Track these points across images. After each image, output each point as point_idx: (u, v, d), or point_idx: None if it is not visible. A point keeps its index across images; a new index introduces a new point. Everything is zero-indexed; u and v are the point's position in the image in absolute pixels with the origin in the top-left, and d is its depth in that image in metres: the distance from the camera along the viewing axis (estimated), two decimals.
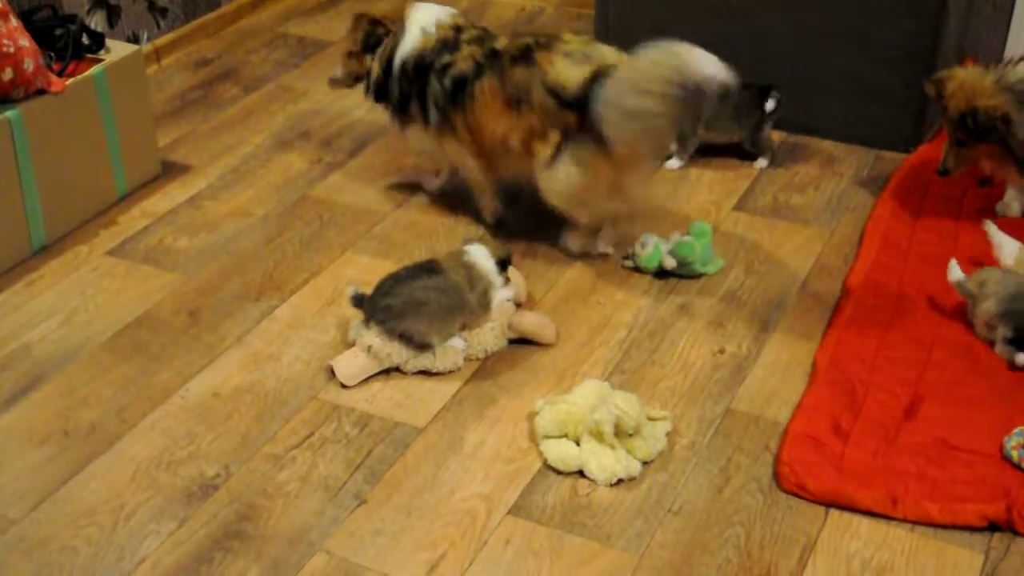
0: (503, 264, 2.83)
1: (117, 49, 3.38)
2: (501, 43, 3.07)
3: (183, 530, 2.32)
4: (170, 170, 3.58)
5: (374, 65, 3.24)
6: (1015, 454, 2.38)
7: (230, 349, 2.84)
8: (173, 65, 4.25)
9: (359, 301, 2.75)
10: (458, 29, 3.14)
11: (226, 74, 4.20)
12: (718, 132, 3.56)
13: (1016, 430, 2.43)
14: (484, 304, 2.77)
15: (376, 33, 3.24)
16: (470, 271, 2.76)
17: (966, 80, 3.03)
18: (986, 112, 2.95)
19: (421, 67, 3.13)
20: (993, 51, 3.97)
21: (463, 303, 2.72)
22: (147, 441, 2.55)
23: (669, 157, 3.57)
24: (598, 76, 2.83)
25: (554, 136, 2.94)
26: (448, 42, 3.10)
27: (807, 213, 3.36)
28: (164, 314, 2.96)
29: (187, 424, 2.60)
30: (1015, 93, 2.95)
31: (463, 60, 3.06)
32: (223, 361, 2.80)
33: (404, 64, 3.16)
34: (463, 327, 2.77)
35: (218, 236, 3.28)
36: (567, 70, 2.89)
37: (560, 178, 2.97)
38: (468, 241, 2.88)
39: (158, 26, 4.24)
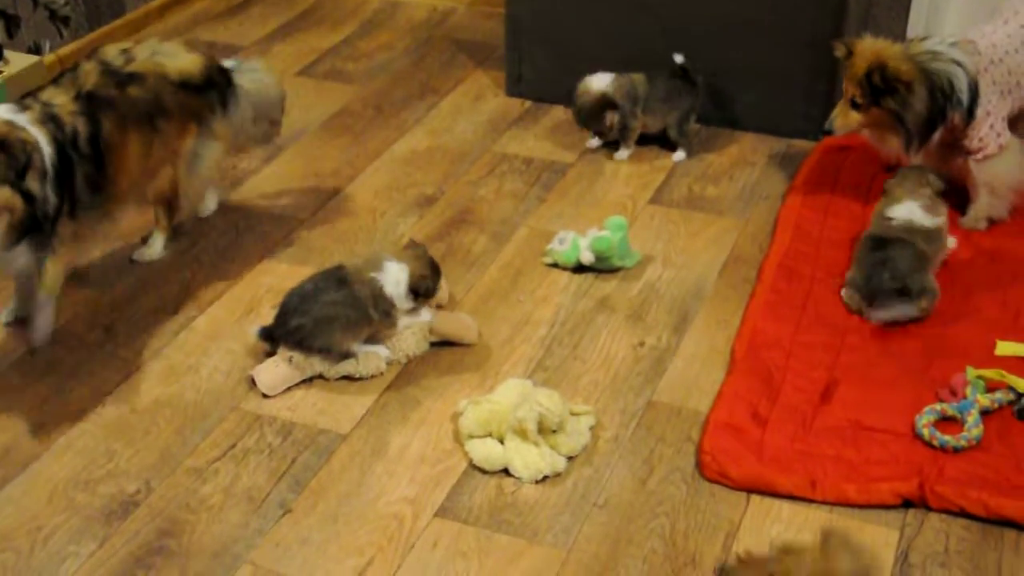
0: (417, 293, 2.75)
1: (17, 60, 3.30)
2: (86, 83, 2.77)
3: (103, 550, 2.28)
4: None
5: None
6: (926, 432, 2.44)
7: (147, 363, 2.80)
8: None
9: (267, 335, 2.72)
10: (24, 108, 2.67)
11: None
12: (651, 118, 3.59)
13: (927, 408, 2.49)
14: (388, 323, 2.74)
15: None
16: (375, 291, 2.71)
17: (877, 44, 3.06)
18: (895, 71, 2.97)
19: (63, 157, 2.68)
20: (894, 37, 4.06)
21: (368, 317, 2.70)
22: (64, 461, 2.50)
23: (617, 148, 3.61)
24: (211, 62, 3.01)
25: (192, 127, 3.00)
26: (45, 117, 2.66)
27: (721, 204, 3.41)
28: (78, 330, 2.90)
29: (105, 441, 2.56)
30: (918, 63, 3.00)
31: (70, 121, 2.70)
32: (140, 376, 2.75)
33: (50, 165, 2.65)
34: (371, 337, 2.75)
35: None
36: (183, 62, 2.97)
37: (209, 165, 3.09)
38: (396, 254, 2.79)
39: (61, 35, 4.14)
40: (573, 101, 3.60)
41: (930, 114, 2.98)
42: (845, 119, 3.12)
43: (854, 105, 3.08)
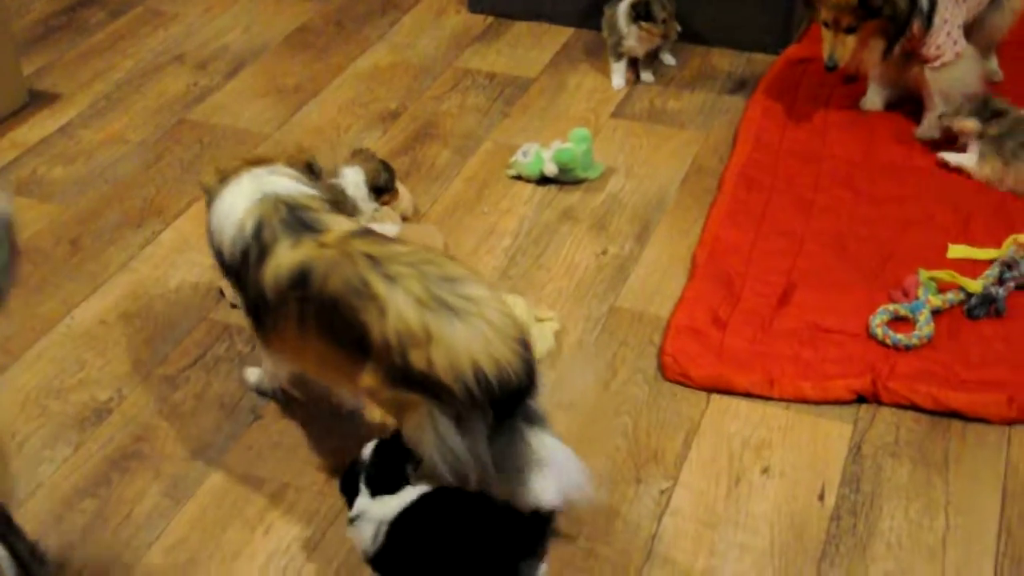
0: (379, 190, 2.80)
1: None
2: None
3: (78, 455, 2.33)
4: (38, 99, 3.48)
5: None
6: (880, 331, 2.52)
7: (115, 276, 2.81)
8: None
9: None
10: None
11: None
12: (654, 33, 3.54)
13: (880, 308, 2.57)
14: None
15: None
16: (337, 195, 2.73)
17: None
18: None
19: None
20: None
21: None
22: (35, 371, 2.53)
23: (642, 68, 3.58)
24: None
25: None
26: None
27: (683, 117, 3.45)
28: (44, 245, 2.90)
29: (75, 352, 2.58)
30: None
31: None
32: (108, 288, 2.77)
33: None
34: None
35: (94, 164, 3.21)
36: None
37: None
38: (346, 162, 2.86)
39: None
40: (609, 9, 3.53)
41: (908, 16, 3.02)
42: (844, 49, 3.10)
43: (849, 29, 3.07)
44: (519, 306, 2.58)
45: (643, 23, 3.46)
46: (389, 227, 2.83)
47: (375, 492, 1.96)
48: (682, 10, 3.72)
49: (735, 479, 2.27)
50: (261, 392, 2.46)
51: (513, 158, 3.18)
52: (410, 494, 1.96)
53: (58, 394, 2.47)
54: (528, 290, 2.77)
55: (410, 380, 1.93)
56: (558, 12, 3.89)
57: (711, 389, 2.47)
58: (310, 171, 2.32)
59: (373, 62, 3.73)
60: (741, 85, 3.59)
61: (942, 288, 2.63)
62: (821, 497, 2.22)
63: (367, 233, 2.12)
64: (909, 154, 3.17)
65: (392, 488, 1.96)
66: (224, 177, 2.24)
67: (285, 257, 2.05)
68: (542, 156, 3.13)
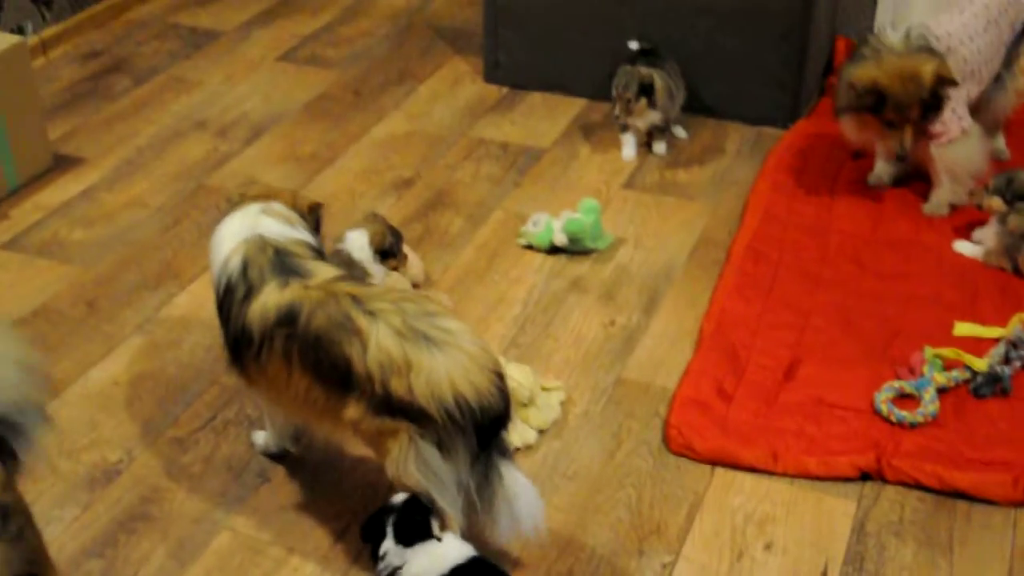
0: (384, 254, 2.83)
1: (0, 40, 3.34)
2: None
3: (87, 515, 2.35)
4: (62, 163, 3.56)
5: None
6: (884, 408, 2.54)
7: (130, 338, 2.86)
8: (61, 58, 4.21)
9: None
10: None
11: (116, 66, 4.17)
12: (680, 103, 3.65)
13: (885, 385, 2.59)
14: None
15: None
16: (343, 260, 2.77)
17: (891, 68, 3.04)
18: (936, 77, 3.01)
19: None
20: (862, 29, 4.16)
21: None
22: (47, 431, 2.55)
23: (654, 144, 3.64)
24: None
25: None
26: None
27: (692, 189, 3.50)
28: (61, 305, 2.96)
29: (88, 412, 2.62)
30: (926, 49, 3.07)
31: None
32: (123, 350, 2.82)
33: None
34: None
35: (114, 227, 3.28)
36: None
37: None
38: (351, 227, 2.88)
39: (44, 18, 4.18)
40: (617, 78, 3.57)
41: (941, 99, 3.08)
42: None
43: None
44: (525, 373, 2.61)
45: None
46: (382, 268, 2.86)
47: (400, 540, 2.03)
48: (694, 85, 3.80)
49: (737, 554, 2.27)
50: (268, 454, 2.48)
51: (524, 227, 3.23)
52: (442, 562, 2.02)
53: (69, 454, 2.50)
54: (536, 359, 2.79)
55: (392, 408, 2.02)
56: (572, 83, 3.97)
57: (715, 462, 2.49)
58: (311, 215, 2.41)
59: (389, 131, 3.80)
60: (750, 158, 3.64)
61: (948, 366, 2.64)
62: (824, 575, 2.22)
63: (351, 278, 2.22)
64: (916, 230, 3.21)
65: (418, 538, 2.03)
66: (233, 205, 2.37)
67: (272, 297, 2.14)
68: (552, 226, 3.17)
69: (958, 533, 2.30)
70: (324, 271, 2.20)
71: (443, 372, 2.00)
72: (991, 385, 2.58)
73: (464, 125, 3.83)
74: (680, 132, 3.75)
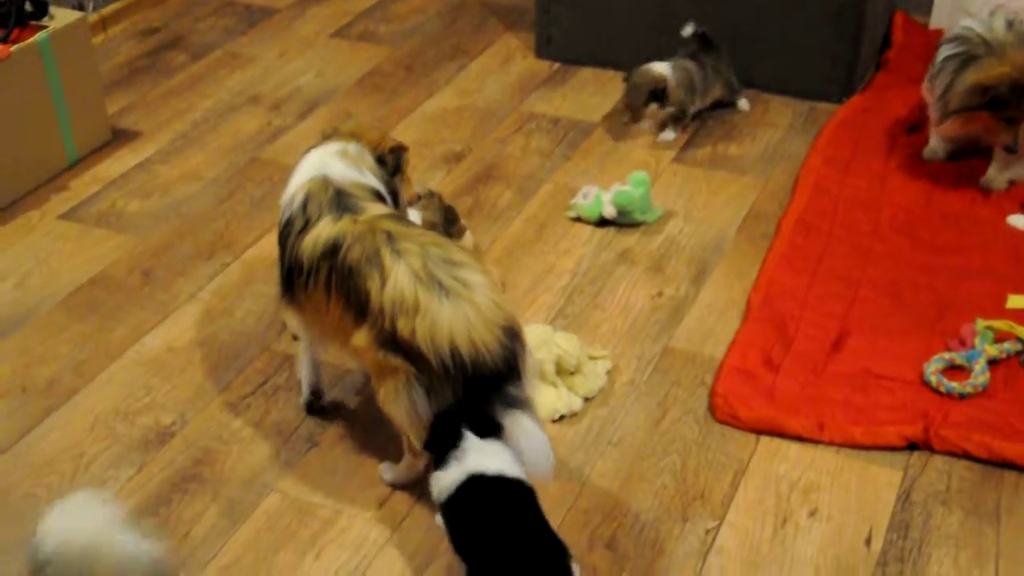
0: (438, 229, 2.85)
1: (62, 16, 3.42)
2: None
3: (141, 475, 2.41)
4: (120, 136, 3.63)
5: None
6: (934, 379, 2.51)
7: (184, 306, 2.92)
8: (120, 34, 4.29)
9: None
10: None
11: (173, 42, 4.24)
12: (704, 98, 3.62)
13: (935, 357, 2.56)
14: None
15: None
16: None
17: (1021, 64, 2.97)
18: None
19: None
20: (919, 3, 4.10)
21: None
22: (104, 394, 2.63)
23: (663, 128, 3.60)
24: None
25: None
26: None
27: (744, 163, 3.48)
28: (118, 274, 3.02)
29: (143, 377, 2.68)
30: None
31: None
32: (177, 317, 2.87)
33: None
34: None
35: (170, 199, 3.34)
36: None
37: None
38: (412, 202, 2.93)
39: None
40: (629, 82, 3.56)
41: None
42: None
43: None
44: (572, 342, 2.62)
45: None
46: None
47: (480, 432, 2.04)
48: (747, 59, 3.77)
49: (782, 520, 2.27)
50: (309, 408, 2.54)
51: (573, 200, 3.24)
52: (496, 463, 2.02)
53: (125, 417, 2.56)
54: (583, 329, 2.80)
55: (395, 346, 2.10)
56: (623, 59, 3.94)
57: (761, 431, 2.48)
58: (381, 161, 2.49)
59: (440, 105, 3.82)
60: (802, 133, 3.61)
61: (999, 338, 2.61)
62: (868, 542, 2.21)
63: (396, 216, 2.31)
64: (971, 204, 3.16)
65: (492, 431, 2.05)
66: (325, 138, 2.49)
67: (324, 230, 2.25)
68: (601, 199, 3.18)
69: (1005, 502, 2.28)
70: (376, 209, 2.29)
71: (446, 322, 2.06)
72: None
73: (515, 100, 3.84)
74: (743, 104, 3.72)
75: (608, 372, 2.66)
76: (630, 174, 3.21)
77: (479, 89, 3.91)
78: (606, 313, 2.87)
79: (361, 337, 2.15)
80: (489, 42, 4.22)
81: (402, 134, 3.66)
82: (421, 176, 3.45)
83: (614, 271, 3.02)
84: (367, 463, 2.43)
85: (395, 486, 2.36)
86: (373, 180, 2.40)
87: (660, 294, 2.93)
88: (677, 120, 3.59)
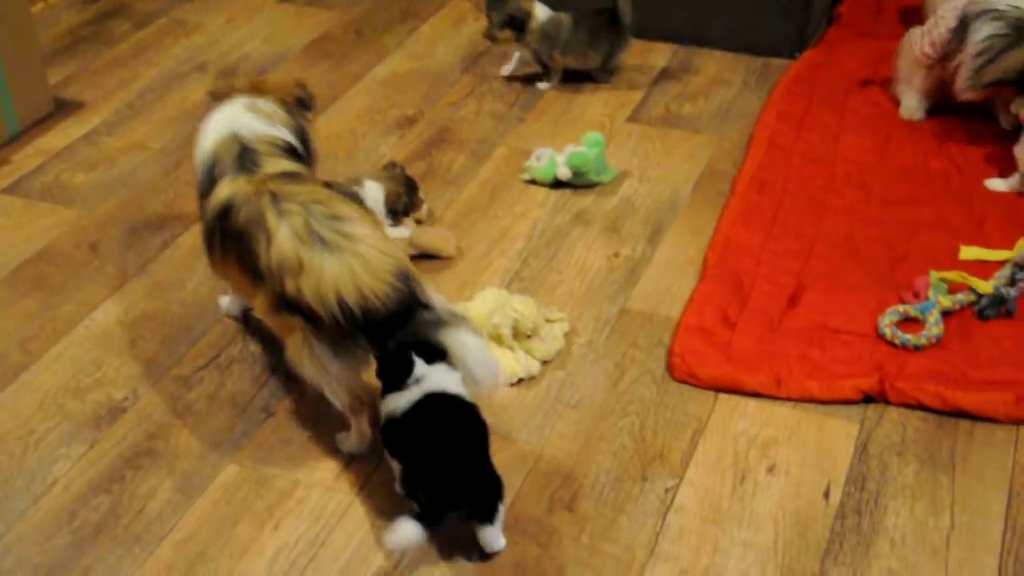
0: (395, 213, 2.83)
1: None
2: None
3: (94, 451, 2.37)
4: (63, 107, 3.55)
5: None
6: (889, 331, 2.52)
7: (133, 279, 2.86)
8: (60, 2, 4.18)
9: None
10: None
11: (116, 10, 4.14)
12: (572, 59, 3.58)
13: (890, 309, 2.57)
14: None
15: None
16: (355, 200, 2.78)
17: None
18: None
19: None
20: None
21: None
22: (53, 371, 2.58)
23: (539, 79, 3.61)
24: None
25: None
26: None
27: (698, 121, 3.46)
28: (64, 248, 2.96)
29: (93, 352, 2.63)
30: None
31: None
32: (126, 291, 2.82)
33: None
34: None
35: (116, 170, 3.28)
36: None
37: None
38: (373, 174, 2.88)
39: None
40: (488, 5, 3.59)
41: None
42: None
43: None
44: (528, 305, 2.60)
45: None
46: (401, 230, 2.86)
47: (428, 359, 2.12)
48: (699, 17, 3.75)
49: (740, 477, 2.28)
50: (353, 455, 2.39)
51: (527, 162, 3.21)
52: (451, 382, 2.13)
53: (75, 393, 2.51)
54: (540, 291, 2.79)
55: (288, 305, 2.15)
56: None
57: (719, 389, 2.48)
58: (300, 104, 2.54)
59: (391, 70, 3.77)
60: (756, 89, 3.60)
61: (953, 289, 2.62)
62: (826, 495, 2.22)
63: (287, 175, 2.31)
64: (923, 157, 3.17)
65: (440, 357, 2.14)
66: (225, 95, 2.50)
67: (221, 192, 2.30)
68: (556, 160, 3.15)
69: (960, 451, 2.30)
70: (273, 166, 2.32)
71: (330, 275, 2.10)
72: (996, 307, 2.56)
73: (467, 63, 3.79)
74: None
75: (565, 334, 2.64)
76: (584, 135, 3.19)
77: (430, 53, 3.86)
78: (562, 275, 2.85)
79: (259, 300, 2.21)
80: (440, 4, 4.16)
81: (353, 100, 3.62)
82: (374, 142, 3.41)
83: (570, 233, 3.00)
84: (324, 432, 2.41)
85: (352, 455, 2.34)
86: (285, 132, 2.43)
87: (616, 255, 2.92)
88: (546, 70, 3.60)
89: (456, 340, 2.14)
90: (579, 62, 3.60)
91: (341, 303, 2.08)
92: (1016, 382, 2.37)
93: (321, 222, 2.16)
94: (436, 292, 2.22)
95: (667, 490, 2.26)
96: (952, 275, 2.63)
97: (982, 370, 2.42)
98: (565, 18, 3.55)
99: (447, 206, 3.12)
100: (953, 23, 3.11)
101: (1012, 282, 2.61)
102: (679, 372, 2.51)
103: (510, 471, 2.30)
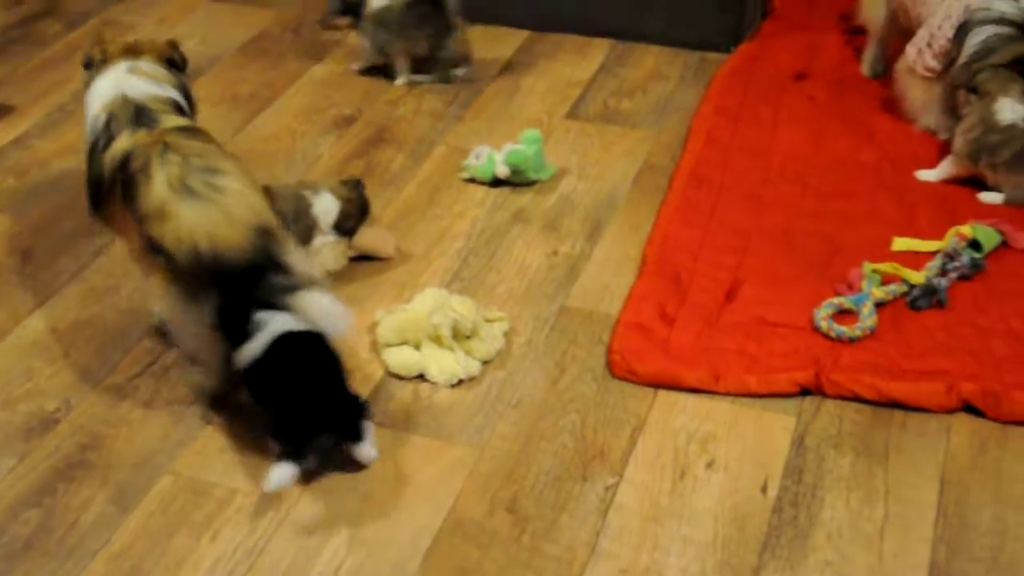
0: (341, 230, 2.80)
1: None
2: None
3: (23, 465, 2.33)
4: None
5: None
6: (824, 324, 2.55)
7: (67, 285, 2.82)
8: None
9: None
10: None
11: (46, 11, 4.07)
12: (410, 44, 3.58)
13: (825, 302, 2.59)
14: (303, 239, 2.76)
15: None
16: (300, 208, 2.75)
17: None
18: None
19: None
20: None
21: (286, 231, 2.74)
22: None
23: (393, 77, 3.63)
24: None
25: None
26: None
27: (636, 116, 3.47)
28: None
29: (24, 361, 2.58)
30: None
31: None
32: (60, 297, 2.78)
33: None
34: None
35: (48, 175, 3.22)
36: None
37: None
38: (331, 187, 2.82)
39: None
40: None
41: None
42: None
43: None
44: (468, 306, 2.59)
45: None
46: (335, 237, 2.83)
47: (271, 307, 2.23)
48: (635, 12, 3.76)
49: (680, 473, 2.29)
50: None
51: (466, 161, 3.20)
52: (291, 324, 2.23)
53: (5, 404, 2.47)
54: (479, 291, 2.78)
55: (155, 249, 2.28)
56: (514, 15, 3.91)
57: (658, 385, 2.49)
58: (171, 64, 2.64)
59: (329, 69, 3.74)
60: (694, 84, 3.62)
61: (886, 280, 2.65)
62: (764, 489, 2.24)
63: (183, 129, 2.43)
64: (856, 150, 3.20)
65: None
66: (102, 61, 2.59)
67: (121, 144, 2.41)
68: (494, 158, 3.14)
69: (894, 442, 2.33)
70: (171, 121, 2.44)
71: (189, 223, 2.22)
72: (927, 297, 2.60)
73: None
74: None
75: (505, 334, 2.64)
76: (522, 132, 3.18)
77: None
78: (502, 274, 2.85)
79: (134, 241, 2.36)
80: None
81: (291, 99, 3.58)
82: (312, 141, 3.38)
83: (509, 231, 3.00)
84: (263, 440, 2.37)
85: (207, 391, 2.38)
86: (171, 91, 2.55)
87: (556, 252, 2.92)
88: (391, 60, 3.62)
89: (304, 300, 2.24)
90: (410, 47, 3.59)
91: (196, 250, 2.20)
92: (947, 372, 2.41)
93: (194, 174, 2.28)
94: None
95: (607, 488, 2.26)
96: (885, 266, 2.66)
97: (915, 360, 2.45)
98: (397, 4, 3.54)
99: (386, 206, 3.10)
100: (951, 32, 3.10)
101: (943, 272, 2.64)
102: (618, 369, 2.52)
103: (451, 473, 2.30)
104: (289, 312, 2.23)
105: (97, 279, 2.84)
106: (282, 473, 2.16)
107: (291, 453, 2.18)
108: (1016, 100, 2.90)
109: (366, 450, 2.27)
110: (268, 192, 2.76)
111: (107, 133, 2.44)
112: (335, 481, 2.29)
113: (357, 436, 2.25)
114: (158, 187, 2.27)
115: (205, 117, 3.43)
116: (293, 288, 2.25)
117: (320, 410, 2.21)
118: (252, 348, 2.21)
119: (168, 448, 2.37)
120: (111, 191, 2.40)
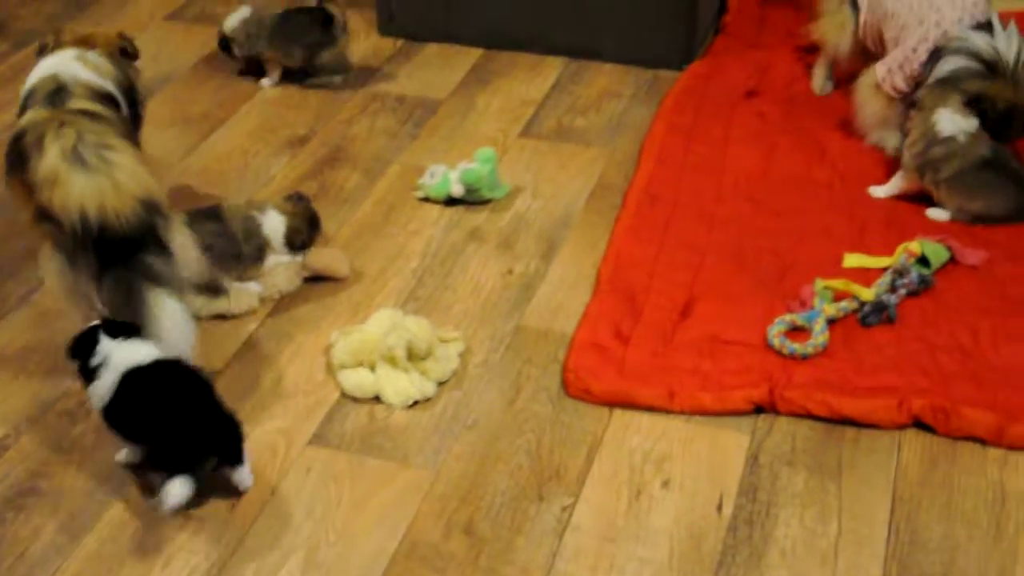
0: (293, 245, 2.81)
1: None
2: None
3: None
4: None
5: None
6: (777, 341, 2.57)
7: (15, 310, 2.78)
8: None
9: None
10: None
11: None
12: (283, 53, 3.66)
13: (777, 319, 2.62)
14: (257, 263, 2.78)
15: None
16: (250, 228, 2.76)
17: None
18: None
19: None
20: None
21: (239, 253, 2.74)
22: None
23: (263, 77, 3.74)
24: None
25: None
26: None
27: (589, 134, 3.49)
28: None
29: None
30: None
31: None
32: (8, 322, 2.74)
33: None
34: (242, 277, 2.77)
35: None
36: None
37: None
38: (278, 204, 2.84)
39: None
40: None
41: None
42: None
43: None
44: (423, 326, 2.59)
45: None
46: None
47: (115, 335, 2.26)
48: (588, 30, 3.78)
49: (635, 493, 2.30)
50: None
51: (421, 180, 3.20)
52: (145, 353, 2.25)
53: None
54: (435, 311, 2.78)
55: (44, 216, 2.35)
56: (467, 34, 3.92)
57: (613, 404, 2.50)
58: (124, 54, 2.75)
59: (282, 88, 3.72)
60: (647, 101, 3.64)
61: (837, 297, 2.68)
62: (719, 508, 2.26)
63: (86, 112, 2.47)
64: (807, 167, 3.24)
65: (130, 333, 2.27)
66: (55, 47, 2.68)
67: (24, 118, 2.50)
68: (449, 177, 3.14)
69: (846, 458, 2.35)
70: (80, 104, 2.49)
71: (78, 189, 2.30)
72: (878, 314, 2.63)
73: (360, 79, 3.76)
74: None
75: (460, 354, 2.64)
76: (477, 150, 3.19)
77: None
78: (457, 294, 2.85)
79: (29, 211, 2.40)
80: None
81: (244, 119, 3.56)
82: (265, 161, 3.36)
83: (464, 250, 3.00)
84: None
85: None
86: (107, 83, 2.60)
87: (511, 272, 2.92)
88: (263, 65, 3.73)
89: (159, 303, 2.32)
90: (284, 58, 3.67)
91: (82, 215, 2.27)
92: (898, 388, 2.44)
93: (88, 146, 2.35)
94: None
95: (564, 509, 2.27)
96: (836, 283, 2.69)
97: (866, 377, 2.48)
98: (268, 15, 3.66)
99: (340, 225, 3.09)
100: (925, 56, 3.13)
101: (893, 289, 2.68)
102: (574, 388, 2.53)
103: (406, 495, 2.29)
104: (135, 328, 2.27)
105: (46, 302, 2.80)
106: (180, 488, 2.11)
107: (179, 471, 2.13)
108: (954, 111, 2.95)
109: (246, 474, 2.27)
110: (219, 213, 2.77)
111: (22, 109, 2.53)
112: (290, 504, 2.27)
113: (239, 459, 2.24)
114: (51, 156, 2.33)
115: (157, 138, 3.42)
116: (160, 280, 2.33)
117: (198, 435, 2.18)
118: (101, 387, 2.22)
119: (120, 474, 2.34)
120: (13, 161, 2.46)
